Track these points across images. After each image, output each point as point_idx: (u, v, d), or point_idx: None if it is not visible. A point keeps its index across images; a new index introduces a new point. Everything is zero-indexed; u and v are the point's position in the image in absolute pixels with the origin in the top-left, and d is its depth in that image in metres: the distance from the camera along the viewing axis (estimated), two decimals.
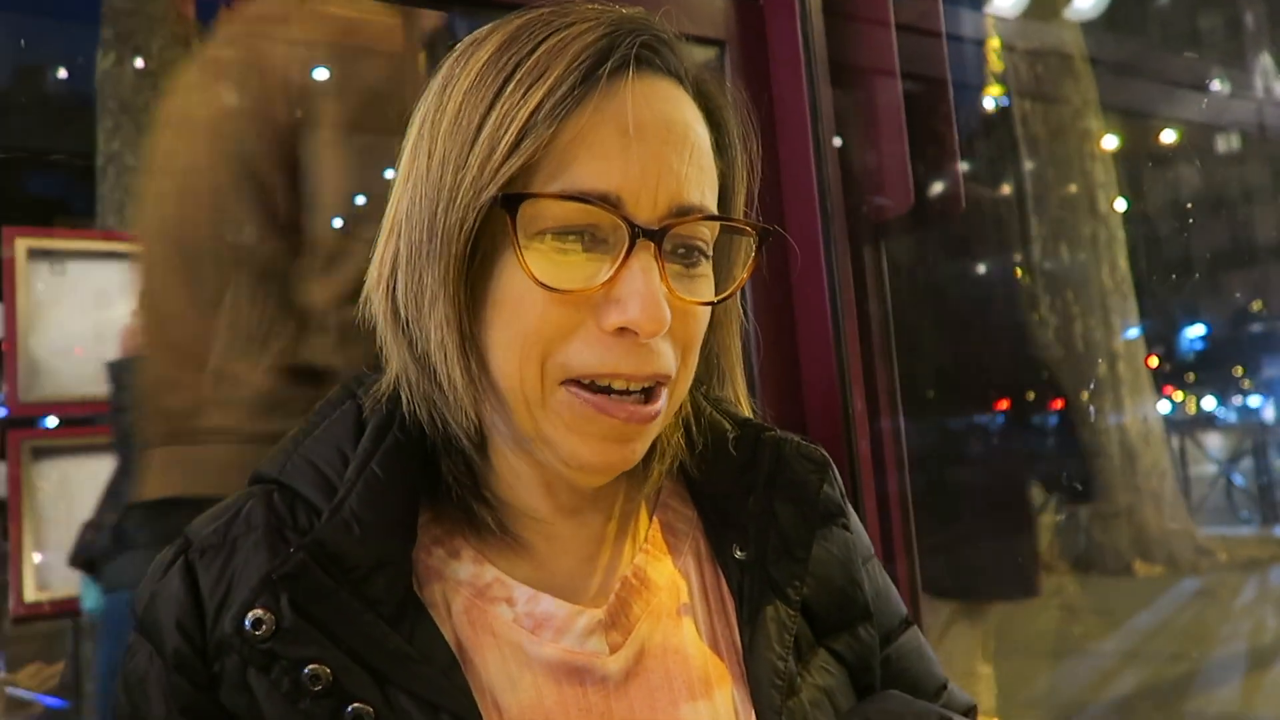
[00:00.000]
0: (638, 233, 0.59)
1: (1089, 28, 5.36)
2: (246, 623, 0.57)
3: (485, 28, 0.65)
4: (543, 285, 0.58)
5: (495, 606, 0.66)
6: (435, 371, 0.63)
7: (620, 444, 0.62)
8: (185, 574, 0.62)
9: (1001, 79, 5.44)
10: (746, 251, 0.69)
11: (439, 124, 0.62)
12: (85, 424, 2.62)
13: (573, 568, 0.69)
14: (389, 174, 0.69)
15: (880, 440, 1.32)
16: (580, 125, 0.58)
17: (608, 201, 0.58)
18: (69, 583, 2.22)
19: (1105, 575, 5.07)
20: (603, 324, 0.59)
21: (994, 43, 5.02)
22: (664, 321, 0.59)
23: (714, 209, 0.64)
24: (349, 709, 0.57)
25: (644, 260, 0.59)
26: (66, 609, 2.26)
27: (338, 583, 0.59)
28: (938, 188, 1.28)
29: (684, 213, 0.61)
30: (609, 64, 0.59)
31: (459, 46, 0.65)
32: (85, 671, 3.01)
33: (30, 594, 2.17)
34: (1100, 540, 5.21)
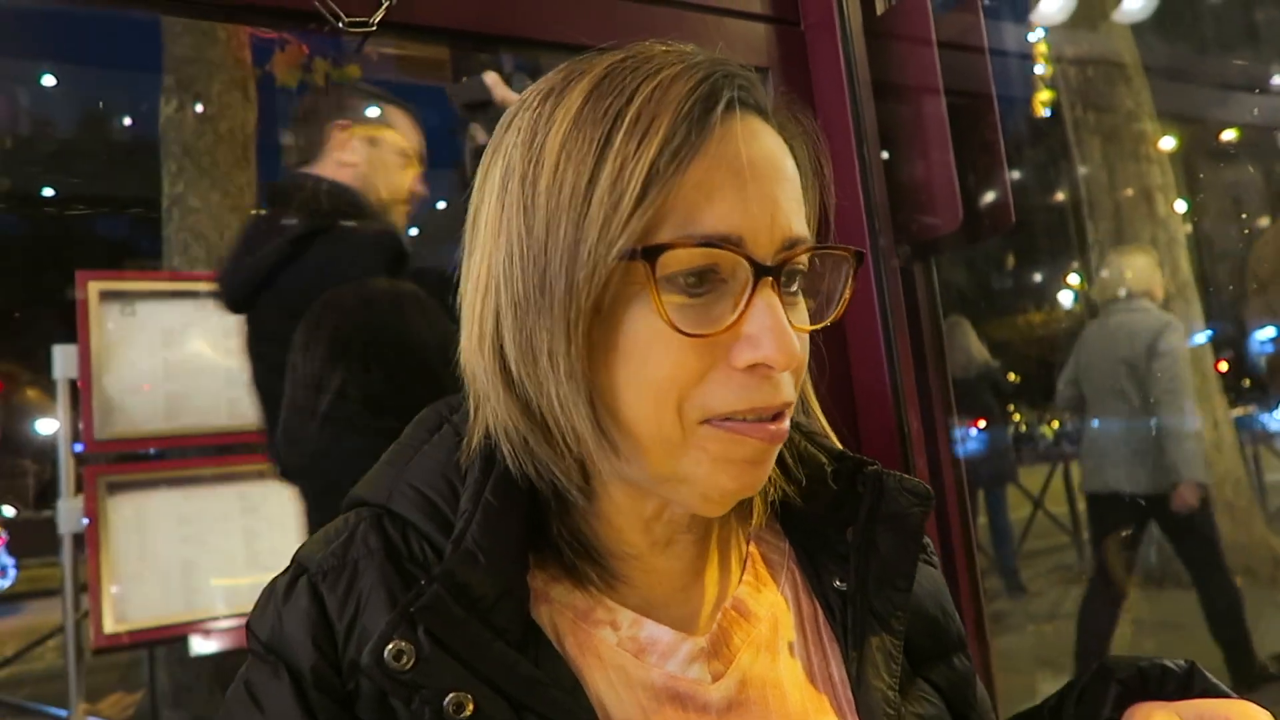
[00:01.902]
0: (761, 270, 0.60)
1: (1139, 30, 5.27)
2: (386, 655, 0.58)
3: (555, 77, 0.65)
4: (682, 332, 0.59)
5: (599, 630, 0.66)
6: (554, 426, 0.63)
7: (756, 466, 0.63)
8: (311, 594, 0.63)
9: (1051, 85, 5.37)
10: (834, 273, 0.69)
11: (534, 179, 0.61)
12: (156, 459, 2.71)
13: (670, 597, 0.70)
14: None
15: (938, 458, 1.31)
16: (699, 170, 0.59)
17: (730, 242, 0.59)
18: (146, 614, 2.28)
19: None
20: (735, 362, 0.60)
21: (1041, 49, 4.96)
22: (796, 354, 0.60)
23: (809, 237, 0.65)
24: None
25: (768, 296, 0.60)
26: (144, 639, 2.31)
27: (468, 613, 0.60)
28: (987, 201, 1.27)
29: (792, 245, 0.62)
30: (719, 108, 0.60)
31: (530, 98, 0.65)
32: (163, 699, 3.08)
33: (109, 625, 2.23)
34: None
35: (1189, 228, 5.47)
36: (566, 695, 0.61)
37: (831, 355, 1.24)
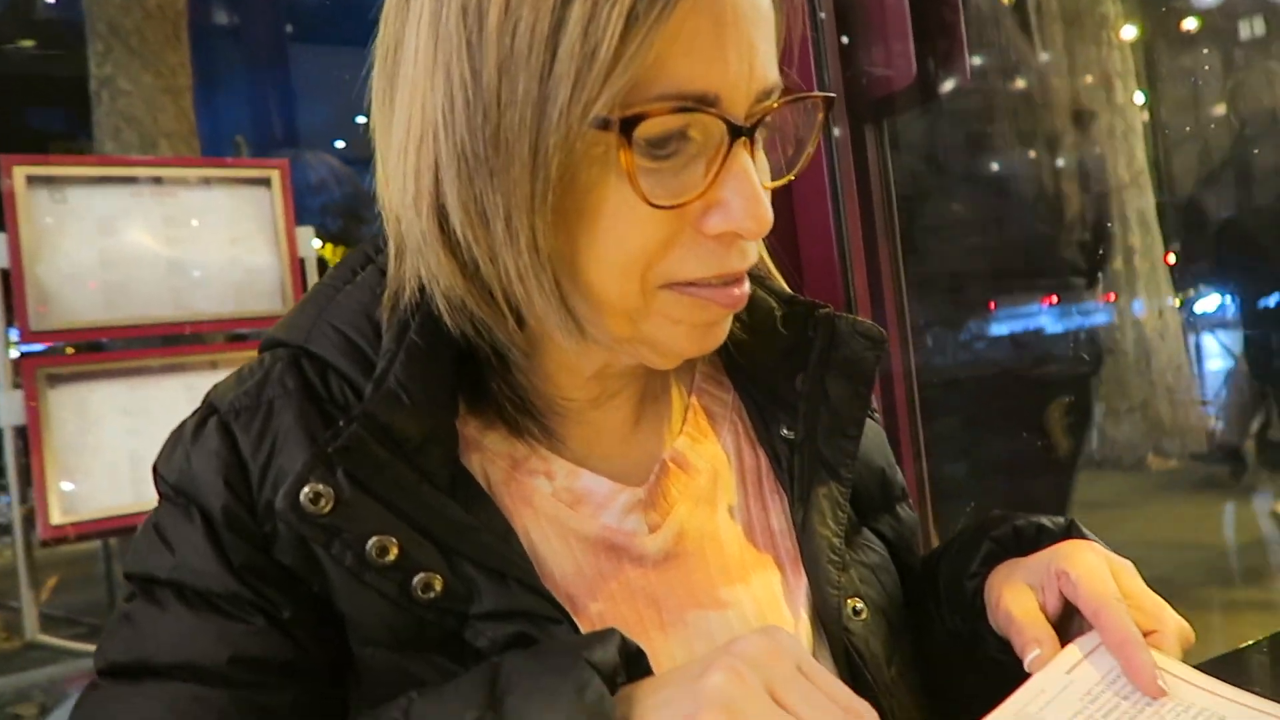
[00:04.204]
0: (737, 131, 0.55)
1: None
2: (303, 498, 0.55)
3: None
4: (656, 205, 0.54)
5: (534, 479, 0.65)
6: (499, 291, 0.58)
7: (716, 328, 0.62)
8: (223, 434, 0.60)
9: None
10: (800, 120, 0.64)
11: (480, 13, 0.53)
12: (98, 350, 2.65)
13: (609, 449, 0.68)
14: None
15: (884, 324, 1.30)
16: (679, 16, 0.52)
17: (707, 103, 0.54)
18: (94, 506, 2.26)
19: (1118, 471, 5.09)
20: (706, 229, 0.56)
21: None
22: (769, 221, 0.56)
23: (780, 81, 0.59)
24: (415, 579, 0.56)
25: (742, 159, 0.55)
26: (91, 530, 2.30)
27: (392, 455, 0.57)
28: (941, 53, 1.23)
29: (766, 95, 0.57)
30: None
31: None
32: (120, 590, 3.09)
33: (56, 517, 2.21)
34: (1113, 436, 5.22)
35: (1146, 116, 5.47)
36: (498, 540, 0.59)
37: (777, 215, 1.21)
